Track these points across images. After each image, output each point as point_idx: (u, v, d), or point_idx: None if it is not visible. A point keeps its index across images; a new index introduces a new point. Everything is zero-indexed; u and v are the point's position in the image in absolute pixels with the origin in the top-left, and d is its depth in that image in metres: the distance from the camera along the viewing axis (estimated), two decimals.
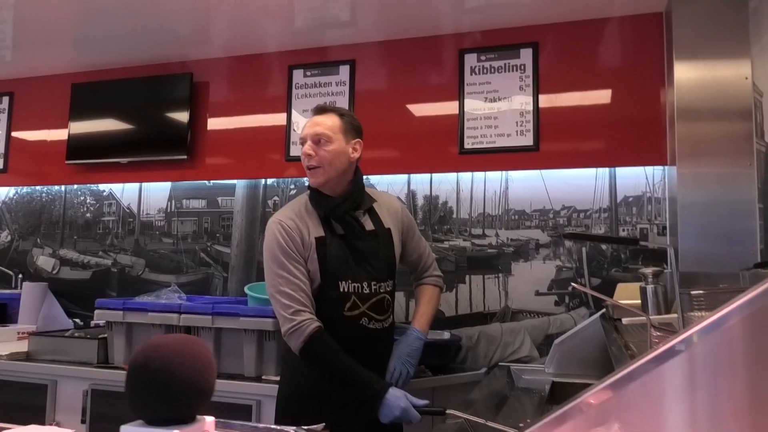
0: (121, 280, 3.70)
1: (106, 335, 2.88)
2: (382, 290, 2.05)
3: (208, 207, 3.59)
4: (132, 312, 2.78)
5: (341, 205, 2.03)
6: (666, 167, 2.81)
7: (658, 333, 1.13)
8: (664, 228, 2.81)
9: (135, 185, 3.76)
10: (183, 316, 2.70)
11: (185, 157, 3.47)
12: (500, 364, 2.83)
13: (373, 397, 1.86)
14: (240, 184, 3.53)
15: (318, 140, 1.99)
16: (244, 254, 3.46)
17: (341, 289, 1.97)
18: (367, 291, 2.01)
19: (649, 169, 2.86)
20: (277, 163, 3.38)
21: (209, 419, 0.90)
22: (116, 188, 3.80)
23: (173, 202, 3.67)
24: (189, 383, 0.80)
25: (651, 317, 1.24)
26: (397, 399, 1.84)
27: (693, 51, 2.52)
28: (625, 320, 1.86)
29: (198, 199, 3.62)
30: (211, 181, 3.59)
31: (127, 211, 3.77)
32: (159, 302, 2.80)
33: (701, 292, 1.32)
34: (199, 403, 0.84)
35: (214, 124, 3.54)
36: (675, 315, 1.55)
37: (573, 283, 1.86)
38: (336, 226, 2.04)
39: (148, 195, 3.73)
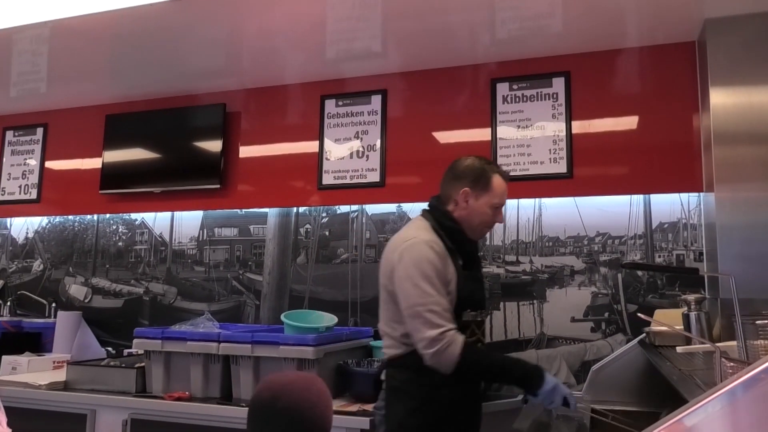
0: (153, 308, 3.72)
1: (143, 364, 2.90)
2: (485, 316, 2.27)
3: (240, 235, 3.62)
4: (171, 341, 2.80)
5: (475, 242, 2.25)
6: (702, 194, 2.81)
7: (732, 363, 1.13)
8: (701, 254, 2.80)
9: (167, 214, 3.80)
10: (222, 344, 2.72)
11: (218, 186, 3.52)
12: None
13: (535, 374, 1.99)
14: (272, 212, 3.56)
15: None
16: (277, 282, 3.48)
17: (464, 318, 2.06)
18: (480, 319, 2.15)
19: (684, 195, 2.86)
20: (308, 191, 3.42)
21: None
22: (148, 217, 3.85)
23: (205, 230, 3.70)
24: (314, 423, 0.81)
25: (714, 345, 1.24)
26: (556, 379, 2.01)
27: (728, 78, 2.54)
28: (679, 349, 1.85)
29: (230, 228, 3.65)
30: (243, 210, 3.63)
31: (159, 239, 3.81)
32: (198, 331, 2.81)
33: (767, 321, 1.32)
34: None
35: (246, 153, 3.59)
36: (734, 342, 1.55)
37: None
38: (459, 258, 2.12)
39: (180, 224, 3.77)
